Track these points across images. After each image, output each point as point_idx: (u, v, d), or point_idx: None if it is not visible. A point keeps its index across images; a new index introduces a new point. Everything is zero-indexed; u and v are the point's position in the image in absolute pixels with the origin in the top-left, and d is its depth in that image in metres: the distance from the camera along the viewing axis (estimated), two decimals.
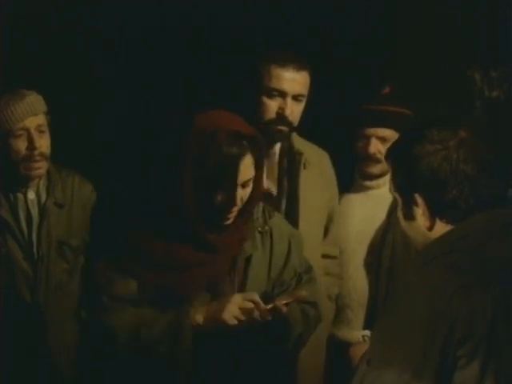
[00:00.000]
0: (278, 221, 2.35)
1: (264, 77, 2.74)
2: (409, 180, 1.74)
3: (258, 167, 2.13)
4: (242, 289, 2.19)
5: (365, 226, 3.03)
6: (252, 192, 2.15)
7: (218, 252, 2.14)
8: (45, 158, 2.77)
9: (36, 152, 2.73)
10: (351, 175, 3.09)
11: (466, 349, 1.57)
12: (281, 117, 2.74)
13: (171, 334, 2.06)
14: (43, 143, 2.76)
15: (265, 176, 2.77)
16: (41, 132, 2.76)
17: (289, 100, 2.73)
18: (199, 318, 2.09)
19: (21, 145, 2.73)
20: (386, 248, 2.98)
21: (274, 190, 2.81)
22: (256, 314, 2.08)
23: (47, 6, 3.44)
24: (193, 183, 2.05)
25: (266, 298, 2.18)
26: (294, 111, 2.75)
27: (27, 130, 2.73)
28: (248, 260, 2.21)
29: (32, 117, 2.74)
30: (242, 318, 2.07)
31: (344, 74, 3.45)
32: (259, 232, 2.25)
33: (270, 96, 2.74)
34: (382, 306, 2.85)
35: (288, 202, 2.81)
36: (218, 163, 2.03)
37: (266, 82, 2.74)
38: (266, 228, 2.26)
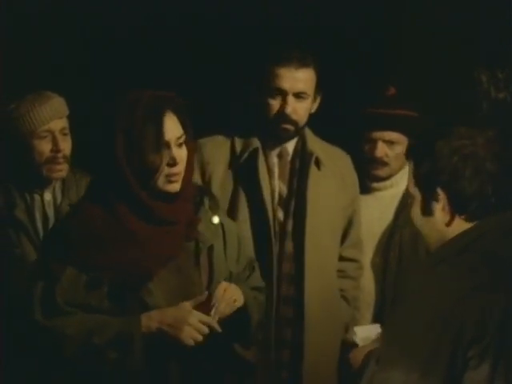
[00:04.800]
0: (225, 217, 2.44)
1: (265, 76, 2.76)
2: (432, 175, 1.75)
3: (186, 132, 2.20)
4: (210, 277, 2.25)
5: (371, 227, 3.03)
6: (187, 167, 2.21)
7: (169, 223, 2.19)
8: (67, 160, 2.79)
9: (60, 154, 2.76)
10: (358, 177, 3.06)
11: (476, 350, 1.58)
12: (282, 115, 2.75)
13: (121, 343, 2.10)
14: (66, 146, 2.79)
15: (276, 175, 2.81)
16: (64, 135, 2.79)
17: (290, 98, 2.74)
18: (152, 325, 2.13)
19: (45, 146, 2.75)
20: (393, 249, 2.99)
21: (285, 191, 2.82)
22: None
23: (47, 5, 3.46)
24: (124, 147, 2.12)
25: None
26: (298, 109, 2.76)
27: (52, 133, 2.75)
28: (211, 250, 2.27)
29: (57, 119, 2.76)
30: (200, 338, 2.13)
31: (348, 76, 3.45)
32: (212, 224, 2.31)
33: (272, 95, 2.76)
34: (391, 306, 2.86)
35: (296, 203, 2.82)
36: (142, 121, 2.12)
37: (266, 82, 2.76)
38: (218, 221, 2.32)
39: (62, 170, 2.79)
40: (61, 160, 2.77)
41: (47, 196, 2.82)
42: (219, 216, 2.35)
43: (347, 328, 2.91)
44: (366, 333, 2.20)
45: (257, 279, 2.44)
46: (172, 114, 2.17)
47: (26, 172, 2.79)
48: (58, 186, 2.85)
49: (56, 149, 2.75)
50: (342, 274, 2.95)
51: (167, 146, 2.15)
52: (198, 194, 2.33)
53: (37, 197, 2.81)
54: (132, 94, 2.18)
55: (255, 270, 2.46)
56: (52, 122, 2.75)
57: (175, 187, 2.18)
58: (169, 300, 2.17)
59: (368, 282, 3.02)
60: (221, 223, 2.34)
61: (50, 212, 2.82)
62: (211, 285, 2.25)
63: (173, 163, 2.15)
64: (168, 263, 2.18)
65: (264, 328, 2.48)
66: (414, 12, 3.45)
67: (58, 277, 2.13)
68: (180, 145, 2.18)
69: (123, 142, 2.12)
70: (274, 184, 2.81)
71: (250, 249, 2.51)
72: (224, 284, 2.24)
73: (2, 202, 2.77)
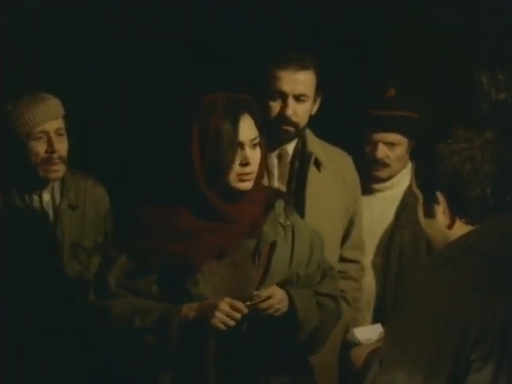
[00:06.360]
0: (299, 220, 2.46)
1: (265, 79, 2.77)
2: (431, 178, 1.75)
3: (260, 134, 2.27)
4: (265, 273, 2.29)
5: (372, 227, 3.04)
6: (259, 167, 2.28)
7: (229, 221, 2.26)
8: (63, 161, 2.80)
9: (55, 155, 2.77)
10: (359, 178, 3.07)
11: (479, 352, 1.58)
12: (283, 117, 2.76)
13: (159, 329, 2.18)
14: (61, 146, 2.80)
15: (276, 176, 2.82)
16: (59, 135, 2.80)
17: (290, 100, 2.76)
18: (191, 314, 2.19)
19: (40, 147, 2.76)
20: (393, 249, 3.00)
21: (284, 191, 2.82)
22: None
23: (47, 5, 3.45)
24: (200, 146, 2.20)
25: (290, 286, 2.32)
26: (298, 111, 2.77)
27: (47, 134, 2.76)
28: (272, 246, 2.31)
29: (53, 120, 2.77)
30: (232, 324, 2.17)
31: (348, 77, 3.45)
32: (281, 225, 2.35)
33: (272, 98, 2.77)
34: (392, 307, 2.86)
35: (295, 204, 2.82)
36: (219, 122, 2.20)
37: (266, 84, 2.77)
38: (288, 223, 2.36)
39: (58, 170, 2.80)
40: (56, 161, 2.78)
41: (46, 196, 2.84)
42: (292, 219, 2.38)
43: (348, 328, 2.91)
44: (368, 334, 2.19)
45: (329, 286, 2.45)
46: (248, 116, 2.25)
47: (25, 173, 2.80)
48: (56, 186, 2.86)
49: (51, 149, 2.76)
50: (343, 275, 2.95)
51: (241, 146, 2.23)
52: (272, 196, 2.38)
53: (35, 197, 2.83)
54: (209, 95, 2.26)
55: (330, 277, 2.47)
56: (47, 122, 2.76)
57: (247, 185, 2.25)
58: (218, 292, 2.22)
59: (369, 282, 3.03)
60: (292, 226, 2.37)
61: (49, 212, 2.84)
62: (264, 281, 2.28)
63: (246, 163, 2.23)
64: (221, 258, 2.24)
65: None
66: (413, 12, 3.45)
67: (112, 261, 2.24)
68: (254, 146, 2.26)
69: (198, 142, 2.20)
70: (273, 185, 2.81)
71: (324, 257, 2.51)
72: (276, 288, 2.27)
73: (1, 202, 2.79)
